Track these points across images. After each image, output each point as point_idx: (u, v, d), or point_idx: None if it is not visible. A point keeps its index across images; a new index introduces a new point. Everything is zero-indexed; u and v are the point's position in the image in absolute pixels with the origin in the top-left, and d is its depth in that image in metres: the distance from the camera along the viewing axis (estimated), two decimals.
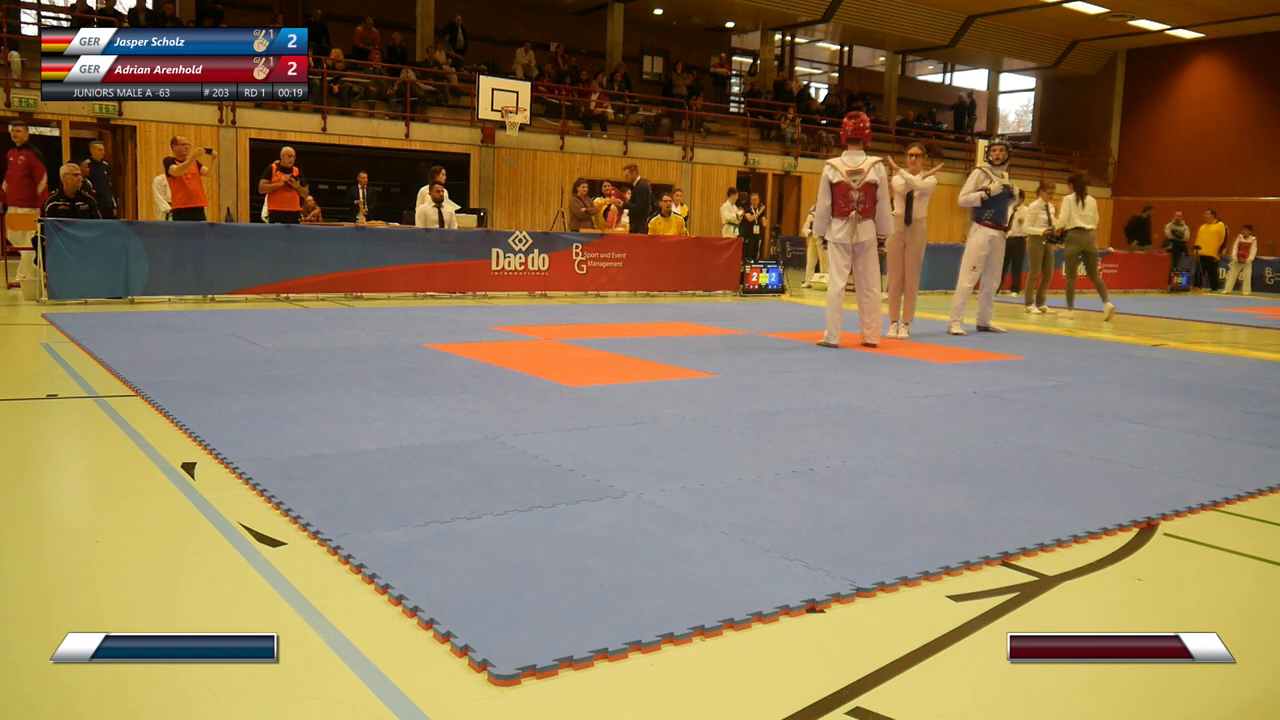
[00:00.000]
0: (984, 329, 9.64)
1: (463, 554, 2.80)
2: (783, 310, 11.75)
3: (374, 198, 15.26)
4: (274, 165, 11.91)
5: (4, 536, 2.97)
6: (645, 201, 13.93)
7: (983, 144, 23.63)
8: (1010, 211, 9.72)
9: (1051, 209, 12.74)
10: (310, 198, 13.75)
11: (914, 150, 9.82)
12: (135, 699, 1.99)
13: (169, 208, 11.44)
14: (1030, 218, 12.71)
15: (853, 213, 7.70)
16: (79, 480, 3.91)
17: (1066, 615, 2.62)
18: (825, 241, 8.02)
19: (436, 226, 12.37)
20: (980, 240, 9.36)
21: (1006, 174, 9.42)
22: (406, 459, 3.83)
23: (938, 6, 24.24)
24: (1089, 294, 12.68)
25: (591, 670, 2.16)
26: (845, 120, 8.08)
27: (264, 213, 12.89)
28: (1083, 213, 12.28)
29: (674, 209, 14.58)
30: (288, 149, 12.05)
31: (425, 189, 12.65)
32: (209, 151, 11.78)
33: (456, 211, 13.01)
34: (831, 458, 4.11)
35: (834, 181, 7.74)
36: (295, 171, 11.86)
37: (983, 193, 9.27)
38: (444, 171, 12.86)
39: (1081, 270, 12.45)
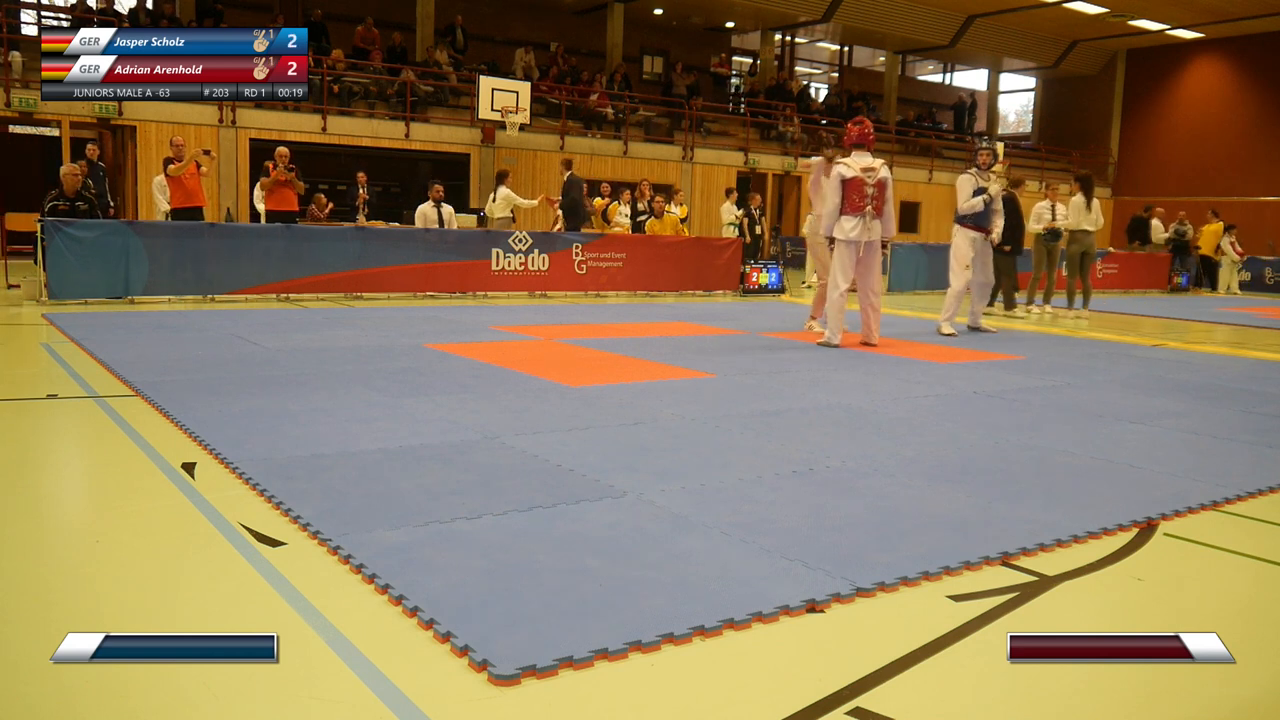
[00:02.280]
0: (975, 329, 9.63)
1: (463, 554, 2.80)
2: (783, 310, 11.74)
3: (373, 197, 15.32)
4: (269, 165, 11.93)
5: (4, 536, 2.97)
6: (578, 195, 13.90)
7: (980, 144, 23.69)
8: (1008, 216, 9.70)
9: (1059, 208, 12.69)
10: (322, 196, 13.78)
11: (827, 151, 9.93)
12: (135, 699, 1.99)
13: (169, 208, 11.45)
14: (1034, 217, 12.69)
15: (868, 207, 7.68)
16: (79, 480, 3.91)
17: (1066, 615, 2.62)
18: (832, 241, 7.92)
19: (436, 226, 12.39)
20: (963, 241, 9.33)
21: (994, 178, 9.36)
22: (406, 459, 3.83)
23: (938, 6, 24.24)
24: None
25: (591, 670, 2.16)
26: (850, 126, 8.04)
27: (257, 204, 12.91)
28: (1089, 215, 12.33)
29: (673, 209, 14.57)
30: (282, 149, 12.02)
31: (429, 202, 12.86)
32: (207, 152, 11.78)
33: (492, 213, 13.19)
34: (831, 458, 4.11)
35: (848, 178, 7.72)
36: (293, 169, 11.84)
37: (985, 196, 9.20)
38: (441, 189, 13.05)
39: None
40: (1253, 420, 5.38)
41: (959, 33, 25.75)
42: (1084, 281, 12.48)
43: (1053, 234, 12.45)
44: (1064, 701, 2.14)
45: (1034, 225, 12.68)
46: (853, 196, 7.71)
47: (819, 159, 8.70)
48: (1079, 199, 12.39)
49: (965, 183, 9.34)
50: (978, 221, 9.31)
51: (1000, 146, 9.86)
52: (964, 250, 9.33)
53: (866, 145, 7.85)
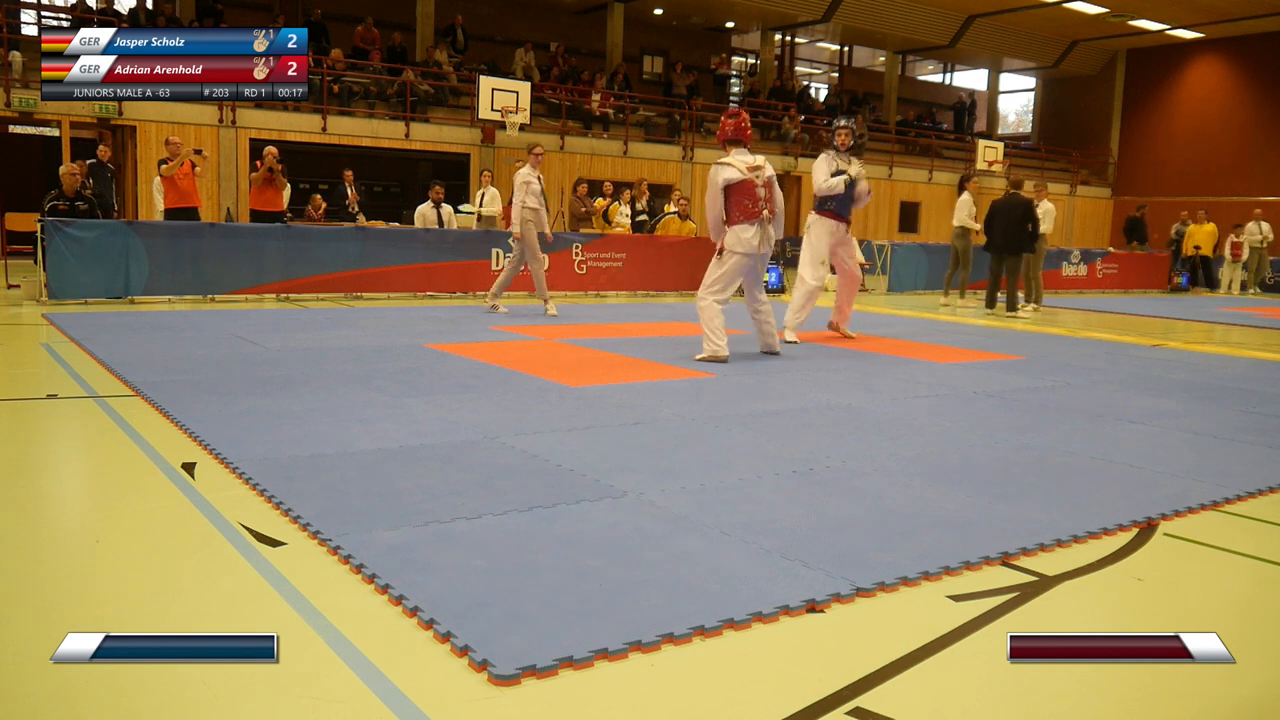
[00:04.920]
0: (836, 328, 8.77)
1: (463, 554, 2.80)
2: (782, 310, 11.71)
3: (364, 196, 15.34)
4: (257, 163, 11.99)
5: (4, 536, 2.97)
6: None
7: (984, 144, 23.66)
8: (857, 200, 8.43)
9: (1045, 205, 12.93)
10: (318, 196, 13.79)
11: (538, 149, 10.12)
12: (135, 699, 1.99)
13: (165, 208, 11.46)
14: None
15: (764, 213, 6.76)
16: (79, 480, 3.91)
17: (1066, 615, 2.62)
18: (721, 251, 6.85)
19: (436, 227, 12.40)
20: (823, 231, 8.28)
21: (854, 161, 8.34)
22: (406, 459, 3.83)
23: (938, 6, 24.24)
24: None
25: (591, 670, 2.16)
26: (724, 119, 6.98)
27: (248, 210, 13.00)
28: (964, 215, 12.81)
29: (671, 208, 14.58)
30: (270, 148, 12.00)
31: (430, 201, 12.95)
32: (199, 152, 11.79)
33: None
34: (831, 458, 4.11)
35: (735, 181, 6.72)
36: (279, 168, 11.82)
37: (844, 177, 8.13)
38: (441, 190, 13.17)
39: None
40: (1253, 420, 5.38)
41: (959, 33, 25.75)
42: (965, 274, 13.16)
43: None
44: (1064, 701, 2.14)
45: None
46: (744, 202, 6.71)
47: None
48: (966, 197, 12.76)
49: (822, 163, 8.27)
50: (839, 209, 8.27)
51: (848, 123, 8.50)
52: (822, 242, 8.29)
53: (744, 141, 6.89)
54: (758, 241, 6.77)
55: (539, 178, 10.08)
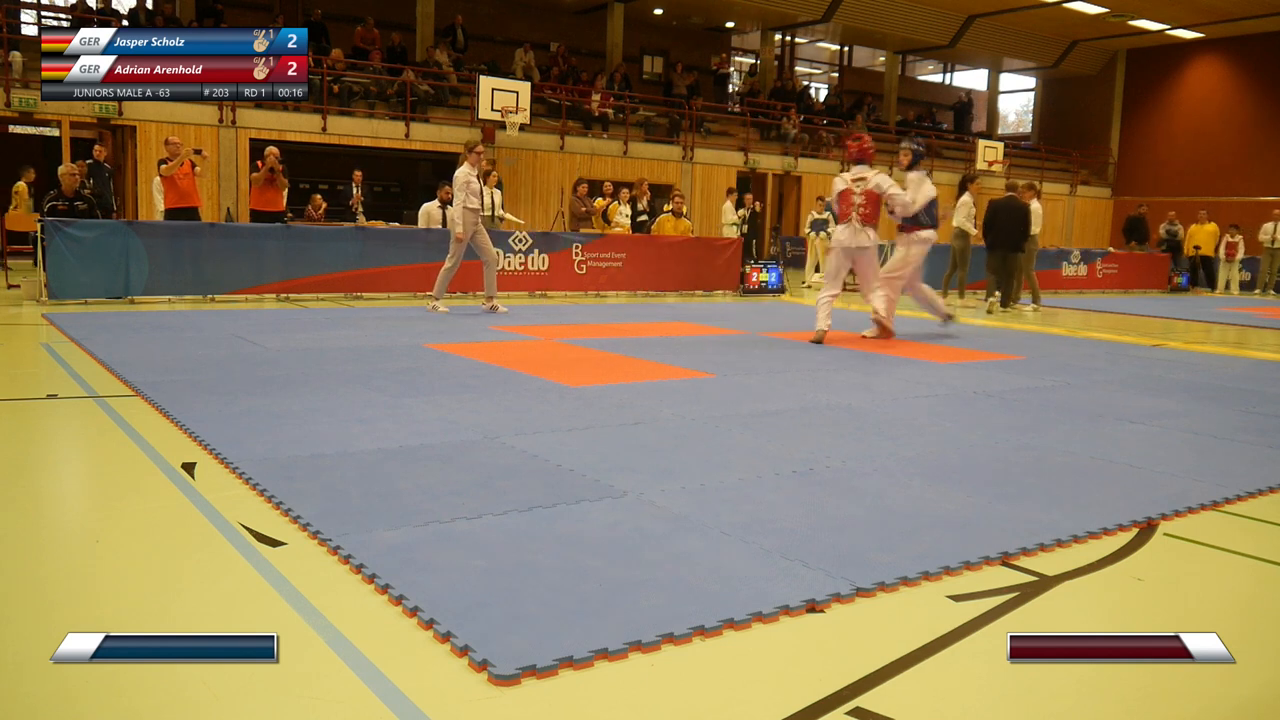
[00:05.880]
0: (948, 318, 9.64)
1: (463, 554, 2.80)
2: (783, 310, 11.74)
3: (370, 197, 15.36)
4: (259, 163, 12.01)
5: (4, 536, 2.97)
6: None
7: (984, 144, 23.63)
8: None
9: (1040, 209, 12.99)
10: (318, 196, 13.81)
11: (478, 148, 9.74)
12: (135, 699, 1.99)
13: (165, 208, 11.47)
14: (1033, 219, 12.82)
15: (853, 215, 8.04)
16: (79, 480, 3.91)
17: (1066, 615, 2.62)
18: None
19: (440, 226, 12.40)
20: (920, 250, 8.74)
21: (918, 176, 8.70)
22: (406, 459, 3.83)
23: (938, 6, 24.23)
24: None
25: (591, 670, 2.16)
26: (849, 143, 8.36)
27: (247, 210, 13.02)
28: (962, 217, 12.85)
29: (669, 208, 14.58)
30: (271, 149, 12.03)
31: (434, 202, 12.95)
32: (198, 152, 11.79)
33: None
34: (831, 458, 4.11)
35: (839, 190, 8.17)
36: (280, 168, 11.85)
37: (930, 199, 8.56)
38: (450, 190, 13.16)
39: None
40: (1253, 420, 5.38)
41: (959, 33, 25.75)
42: (963, 275, 13.32)
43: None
44: (1064, 701, 2.14)
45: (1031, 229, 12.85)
46: (842, 206, 8.15)
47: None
48: (966, 198, 12.81)
49: (897, 181, 8.56)
50: (925, 220, 8.67)
51: (909, 144, 8.99)
52: (918, 258, 8.73)
53: (866, 160, 8.16)
54: (845, 237, 8.06)
55: (478, 177, 10.02)
